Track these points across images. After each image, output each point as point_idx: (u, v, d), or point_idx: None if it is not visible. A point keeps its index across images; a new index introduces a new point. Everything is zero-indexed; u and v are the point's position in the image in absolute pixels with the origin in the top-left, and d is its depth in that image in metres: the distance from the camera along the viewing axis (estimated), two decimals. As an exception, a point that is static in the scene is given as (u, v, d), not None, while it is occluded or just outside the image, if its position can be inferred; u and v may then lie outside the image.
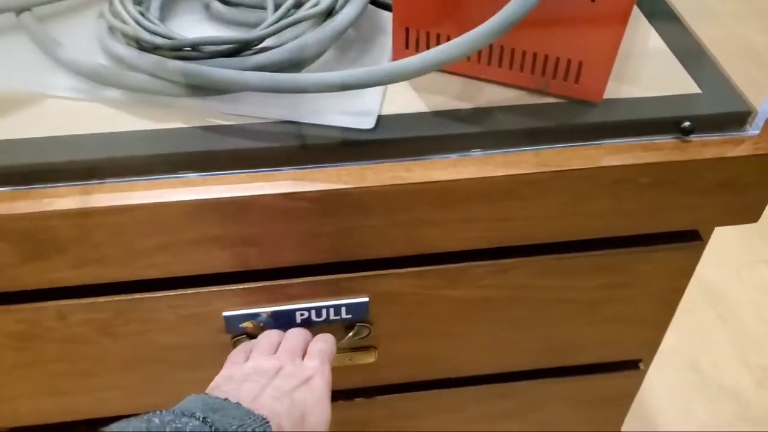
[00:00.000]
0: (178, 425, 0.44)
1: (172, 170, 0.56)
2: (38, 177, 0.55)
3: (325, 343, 0.60)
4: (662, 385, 1.35)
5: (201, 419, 0.45)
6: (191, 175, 0.56)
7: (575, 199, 0.59)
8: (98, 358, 0.66)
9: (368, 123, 0.57)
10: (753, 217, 0.63)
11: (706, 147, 0.59)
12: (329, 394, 0.57)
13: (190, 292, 0.62)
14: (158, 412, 0.46)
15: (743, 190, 0.61)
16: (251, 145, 0.56)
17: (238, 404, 0.49)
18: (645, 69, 0.62)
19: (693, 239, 0.67)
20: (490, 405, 0.82)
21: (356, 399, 0.77)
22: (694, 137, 0.59)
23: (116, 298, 0.61)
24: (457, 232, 0.60)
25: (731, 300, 1.50)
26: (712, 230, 0.67)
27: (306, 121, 0.57)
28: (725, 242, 1.58)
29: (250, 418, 0.48)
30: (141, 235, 0.56)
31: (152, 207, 0.55)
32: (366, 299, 0.64)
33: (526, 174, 0.57)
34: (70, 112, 0.58)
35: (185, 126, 0.57)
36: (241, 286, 0.62)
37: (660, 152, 0.58)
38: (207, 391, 0.54)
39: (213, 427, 0.45)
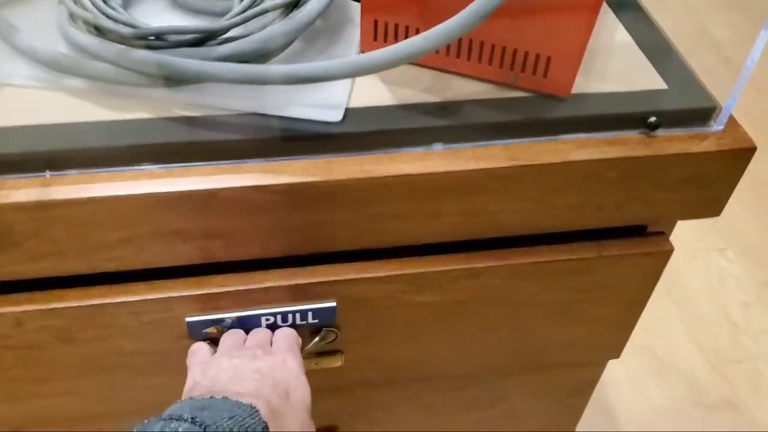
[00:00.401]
0: (168, 431, 0.43)
1: (135, 162, 0.54)
2: (-6, 168, 0.53)
3: (287, 333, 0.61)
4: (619, 369, 1.38)
5: (190, 420, 0.44)
6: (154, 168, 0.55)
7: (545, 193, 0.59)
8: (55, 364, 0.64)
9: (336, 116, 0.56)
10: (716, 210, 0.64)
11: (671, 142, 0.59)
12: (304, 371, 0.57)
13: (151, 297, 0.60)
14: (144, 420, 0.44)
15: (707, 185, 0.62)
16: (217, 137, 0.55)
17: (224, 398, 0.49)
18: (612, 64, 0.63)
19: (663, 243, 0.68)
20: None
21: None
22: (660, 132, 0.59)
23: (74, 304, 0.59)
24: (426, 225, 0.60)
25: (687, 286, 1.53)
26: (675, 223, 0.68)
27: (273, 113, 0.56)
28: (680, 231, 1.62)
29: (240, 408, 0.47)
30: (101, 228, 0.55)
31: (113, 200, 0.53)
32: (333, 304, 0.62)
33: (495, 168, 0.57)
34: (29, 101, 0.56)
35: (149, 117, 0.56)
36: (204, 291, 0.60)
37: (626, 147, 0.58)
38: (185, 392, 0.53)
39: (203, 426, 0.44)
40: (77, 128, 0.55)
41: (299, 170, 0.55)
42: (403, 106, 0.58)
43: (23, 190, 0.52)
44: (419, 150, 0.57)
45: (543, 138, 0.58)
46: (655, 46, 0.64)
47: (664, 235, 0.68)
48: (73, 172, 0.54)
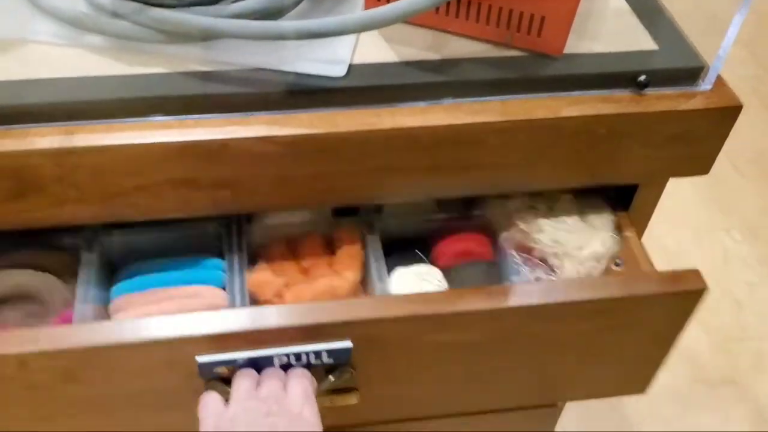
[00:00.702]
0: None
1: (151, 113, 0.58)
2: (21, 118, 0.57)
3: (302, 377, 0.58)
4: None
5: None
6: (169, 119, 0.58)
7: (539, 148, 0.62)
8: (60, 403, 0.62)
9: (340, 71, 0.59)
10: (704, 168, 0.67)
11: (660, 100, 0.62)
12: (319, 418, 0.56)
13: (161, 338, 0.57)
14: None
15: (695, 143, 0.64)
16: (227, 90, 0.58)
17: None
18: (605, 26, 0.65)
19: (695, 280, 0.67)
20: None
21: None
22: (649, 91, 0.62)
23: (83, 346, 0.57)
24: (426, 179, 0.63)
25: (691, 266, 1.54)
26: (667, 180, 0.71)
27: (280, 69, 0.59)
28: (687, 211, 1.64)
29: None
30: (119, 175, 0.58)
31: (130, 148, 0.57)
32: (349, 344, 0.59)
33: (492, 122, 0.60)
34: (53, 56, 0.60)
35: (164, 71, 0.59)
36: (216, 332, 0.58)
37: (617, 104, 0.61)
38: None
39: None
40: (97, 82, 0.58)
41: (304, 122, 0.58)
42: (403, 63, 0.61)
43: (47, 138, 0.56)
44: (419, 104, 0.60)
45: (537, 95, 0.61)
46: (648, 9, 0.67)
47: (696, 272, 0.67)
48: (94, 122, 0.57)
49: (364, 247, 0.72)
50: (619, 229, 0.72)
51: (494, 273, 0.73)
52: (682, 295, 0.65)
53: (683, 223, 1.61)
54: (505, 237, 0.72)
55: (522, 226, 0.71)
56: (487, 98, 0.61)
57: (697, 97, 0.62)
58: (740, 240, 1.61)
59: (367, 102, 0.60)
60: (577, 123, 0.61)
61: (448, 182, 0.64)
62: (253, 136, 0.58)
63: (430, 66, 0.61)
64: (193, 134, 0.57)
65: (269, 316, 0.59)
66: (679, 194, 1.63)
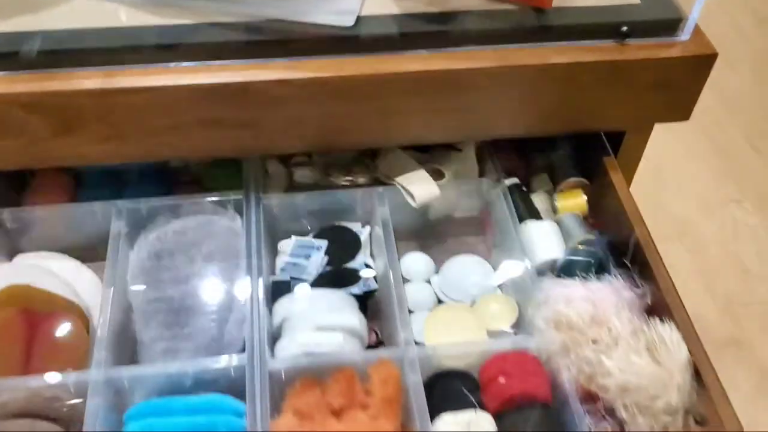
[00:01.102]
0: None
1: (181, 59, 0.65)
2: (67, 62, 0.64)
3: None
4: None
5: None
6: (197, 64, 0.65)
7: (530, 94, 0.69)
8: None
9: (349, 21, 0.66)
10: (684, 114, 0.73)
11: (641, 49, 0.68)
12: None
13: None
14: None
15: (675, 89, 0.70)
16: (248, 38, 0.66)
17: None
18: (592, -19, 0.72)
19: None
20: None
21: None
22: (631, 41, 0.68)
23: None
24: (428, 121, 0.70)
25: (701, 235, 1.59)
26: (651, 127, 0.77)
27: (296, 20, 0.66)
28: (699, 183, 1.67)
29: None
30: (153, 115, 0.66)
31: (163, 90, 0.64)
32: None
33: (487, 68, 0.66)
34: (96, 10, 0.68)
35: (193, 22, 0.67)
36: None
37: (601, 53, 0.67)
38: None
39: None
40: (134, 31, 0.66)
41: (316, 68, 0.65)
42: (407, 15, 0.68)
43: (90, 80, 0.64)
44: (421, 53, 0.67)
45: (528, 44, 0.68)
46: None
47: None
48: (131, 66, 0.65)
49: (403, 387, 0.63)
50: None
51: (552, 420, 0.64)
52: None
53: (695, 195, 1.64)
54: (565, 379, 0.63)
55: (585, 367, 0.62)
56: (483, 47, 0.67)
57: (676, 46, 0.68)
58: (751, 211, 1.64)
59: (373, 49, 0.66)
60: (565, 69, 0.67)
61: (446, 125, 0.70)
62: (272, 79, 0.65)
63: (431, 18, 0.68)
64: (218, 77, 0.65)
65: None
66: (691, 167, 1.68)
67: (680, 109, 0.72)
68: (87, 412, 0.59)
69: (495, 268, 0.76)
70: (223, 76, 0.65)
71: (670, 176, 1.66)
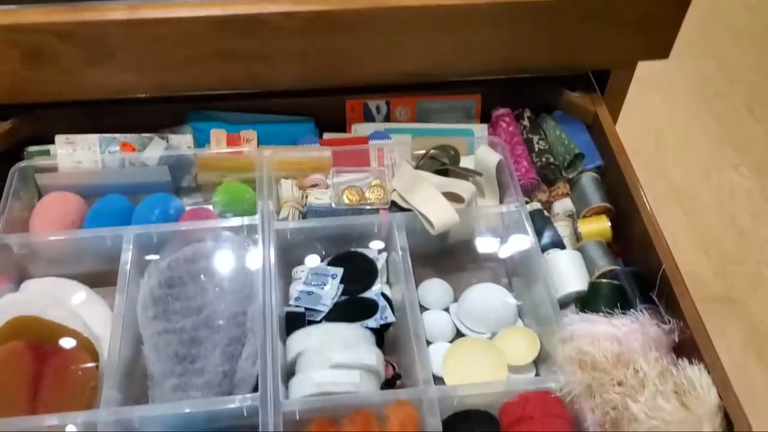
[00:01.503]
0: None
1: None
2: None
3: None
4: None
5: None
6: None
7: (521, 30, 0.74)
8: None
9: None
10: (664, 52, 0.77)
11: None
12: None
13: None
14: None
15: (655, 27, 0.75)
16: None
17: None
18: None
19: None
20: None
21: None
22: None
23: None
24: (426, 56, 0.75)
25: (697, 199, 1.57)
26: (635, 65, 0.81)
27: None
28: (697, 148, 1.65)
29: None
30: (173, 45, 0.71)
31: (182, 21, 0.70)
32: None
33: (480, 3, 0.71)
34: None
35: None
36: None
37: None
38: None
39: None
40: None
41: (322, 1, 0.70)
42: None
43: (117, 12, 0.69)
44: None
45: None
46: None
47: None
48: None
49: (422, 429, 0.61)
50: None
51: None
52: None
53: (694, 160, 1.63)
54: (590, 422, 0.61)
55: (611, 411, 0.60)
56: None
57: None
58: (747, 175, 1.61)
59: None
60: (553, 5, 0.72)
61: (445, 60, 0.76)
62: (280, 11, 0.70)
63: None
64: (231, 9, 0.70)
65: None
66: (692, 134, 1.67)
67: (659, 48, 0.77)
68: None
69: (516, 297, 0.74)
70: (237, 9, 0.70)
71: (670, 143, 1.66)
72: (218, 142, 0.80)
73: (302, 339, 0.66)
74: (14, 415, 0.60)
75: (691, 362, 0.61)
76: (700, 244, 1.48)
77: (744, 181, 1.63)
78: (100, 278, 0.73)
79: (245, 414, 0.61)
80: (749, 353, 1.29)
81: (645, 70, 0.83)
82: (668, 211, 1.53)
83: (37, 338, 0.65)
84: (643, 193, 0.74)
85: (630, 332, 0.63)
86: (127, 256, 0.70)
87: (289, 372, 0.66)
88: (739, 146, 1.68)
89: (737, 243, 1.49)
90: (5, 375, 0.63)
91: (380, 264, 0.74)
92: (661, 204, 1.51)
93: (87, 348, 0.66)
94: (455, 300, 0.75)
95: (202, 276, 0.70)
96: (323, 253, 0.76)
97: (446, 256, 0.79)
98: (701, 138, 1.68)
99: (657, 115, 1.70)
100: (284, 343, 0.67)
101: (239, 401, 0.61)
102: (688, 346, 0.63)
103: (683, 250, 1.45)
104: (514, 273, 0.77)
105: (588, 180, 0.79)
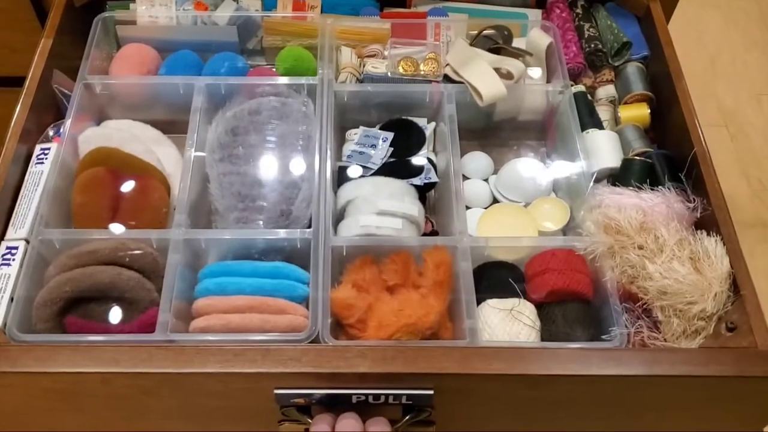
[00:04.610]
0: None
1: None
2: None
3: (381, 426, 0.58)
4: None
5: None
6: None
7: None
8: (141, 410, 0.64)
9: None
10: None
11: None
12: None
13: (242, 371, 0.58)
14: None
15: None
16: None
17: None
18: None
19: None
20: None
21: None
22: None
23: (162, 371, 0.58)
24: None
25: (745, 123, 1.58)
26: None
27: None
28: (751, 74, 1.65)
29: None
30: None
31: None
32: (431, 392, 0.58)
33: None
34: None
35: None
36: (295, 371, 0.57)
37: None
38: None
39: None
40: None
41: None
42: None
43: None
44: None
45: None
46: None
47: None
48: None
49: (454, 272, 0.67)
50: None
51: (591, 315, 0.67)
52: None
53: (745, 85, 1.63)
54: (609, 278, 0.65)
55: (629, 270, 0.64)
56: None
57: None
58: None
59: None
60: None
61: None
62: None
63: None
64: None
65: (351, 358, 0.58)
66: (748, 57, 1.67)
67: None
68: (167, 267, 0.65)
69: (553, 172, 0.79)
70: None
71: (724, 66, 1.66)
72: (284, 7, 0.85)
73: (352, 189, 0.73)
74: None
75: (709, 235, 0.66)
76: (742, 168, 1.50)
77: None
78: (172, 126, 0.80)
79: (299, 246, 0.68)
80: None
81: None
82: (714, 133, 1.55)
83: (117, 167, 0.72)
84: (684, 83, 0.77)
85: (655, 205, 0.68)
86: (198, 103, 0.76)
87: (339, 218, 0.73)
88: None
89: (781, 173, 1.49)
90: (89, 196, 0.70)
91: (428, 132, 0.80)
92: (707, 126, 1.52)
93: (161, 179, 0.73)
94: (495, 173, 0.81)
95: (264, 127, 0.77)
96: (376, 118, 0.82)
97: (490, 132, 0.84)
98: (756, 64, 1.67)
99: (715, 36, 1.69)
100: (335, 192, 0.74)
101: (294, 234, 0.68)
102: (708, 222, 0.67)
103: (724, 171, 1.45)
104: (553, 150, 0.82)
105: (633, 69, 0.82)
